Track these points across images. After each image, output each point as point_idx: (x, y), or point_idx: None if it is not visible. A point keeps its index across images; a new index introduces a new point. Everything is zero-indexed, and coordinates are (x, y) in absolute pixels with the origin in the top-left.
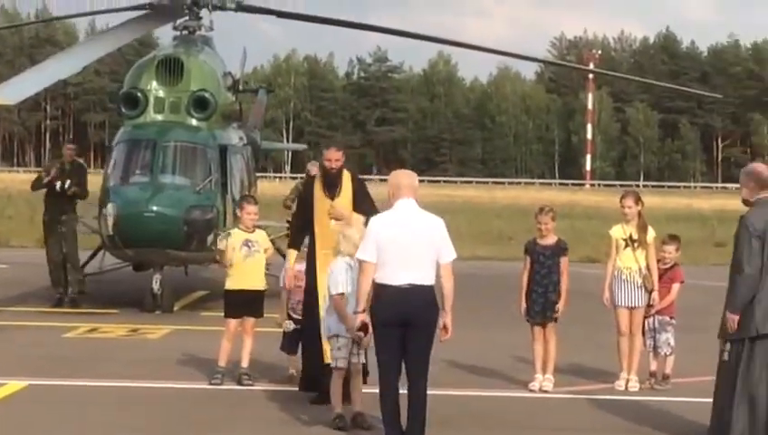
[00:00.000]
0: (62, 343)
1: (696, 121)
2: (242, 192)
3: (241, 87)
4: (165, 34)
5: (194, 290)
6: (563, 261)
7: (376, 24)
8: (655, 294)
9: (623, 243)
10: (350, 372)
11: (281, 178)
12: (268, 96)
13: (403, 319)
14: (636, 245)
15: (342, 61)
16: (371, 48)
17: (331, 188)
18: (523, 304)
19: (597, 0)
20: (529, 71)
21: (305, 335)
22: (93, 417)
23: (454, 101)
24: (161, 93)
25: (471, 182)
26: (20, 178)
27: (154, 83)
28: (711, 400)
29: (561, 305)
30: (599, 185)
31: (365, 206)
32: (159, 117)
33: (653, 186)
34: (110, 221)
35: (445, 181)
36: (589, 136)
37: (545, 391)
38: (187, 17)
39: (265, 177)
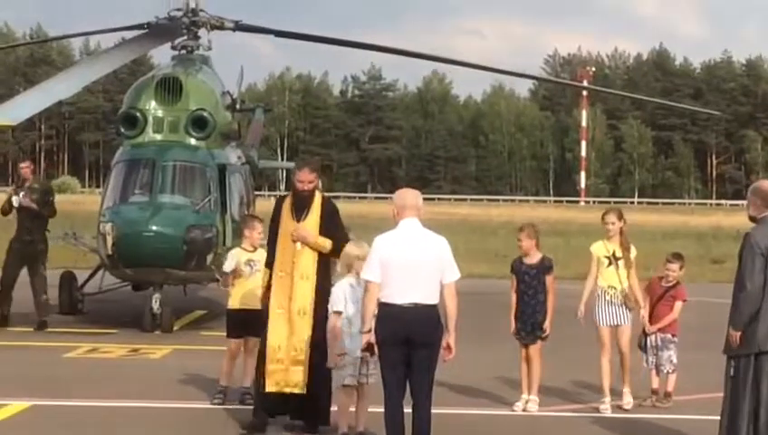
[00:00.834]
0: (63, 364)
1: (689, 138)
2: (241, 211)
3: (238, 106)
4: (159, 53)
5: (193, 309)
6: (548, 279)
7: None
8: (644, 312)
9: (606, 260)
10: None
11: (276, 196)
12: (265, 115)
13: (407, 338)
14: (619, 262)
15: (336, 79)
16: (365, 66)
17: (300, 209)
18: (512, 324)
19: (590, 17)
20: (523, 88)
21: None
22: None
23: (448, 118)
24: (160, 113)
25: (465, 200)
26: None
27: (153, 103)
28: (713, 417)
29: (547, 324)
30: (593, 202)
31: (335, 232)
32: (158, 136)
33: (647, 202)
34: (110, 241)
35: (439, 199)
36: (583, 153)
37: (528, 412)
38: (185, 37)
39: (261, 195)
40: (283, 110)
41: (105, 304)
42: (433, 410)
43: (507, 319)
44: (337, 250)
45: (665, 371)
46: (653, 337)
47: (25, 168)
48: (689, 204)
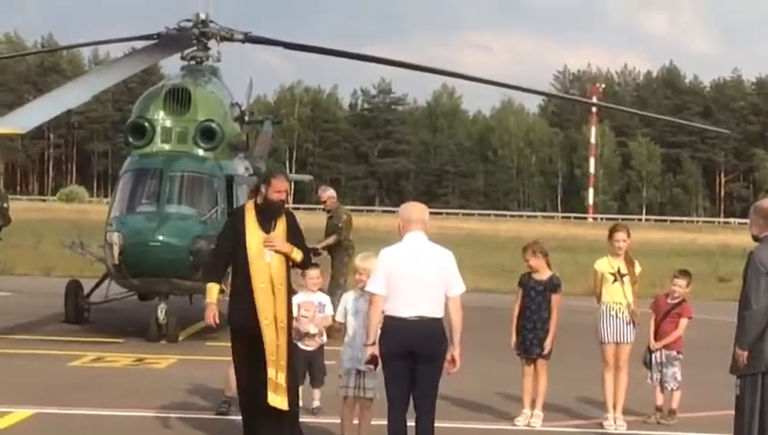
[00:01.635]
0: (67, 372)
1: (698, 156)
2: None
3: (247, 118)
4: (169, 63)
5: (198, 320)
6: (554, 298)
7: (379, 56)
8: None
9: (611, 277)
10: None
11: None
12: (274, 127)
13: (411, 351)
14: (624, 279)
15: (346, 92)
16: (375, 80)
17: (268, 220)
18: (514, 338)
19: (600, 34)
20: (532, 104)
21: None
22: None
23: (457, 133)
24: (168, 123)
25: (473, 214)
26: (23, 207)
27: (161, 113)
28: (717, 434)
29: (548, 343)
30: (601, 219)
31: (300, 243)
32: (166, 147)
33: (655, 220)
34: (116, 250)
35: (447, 213)
36: (591, 169)
37: (532, 428)
38: (194, 48)
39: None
40: (293, 122)
41: (111, 313)
42: (435, 424)
43: (509, 332)
44: (306, 261)
45: (669, 387)
46: (658, 354)
47: None
48: (697, 222)
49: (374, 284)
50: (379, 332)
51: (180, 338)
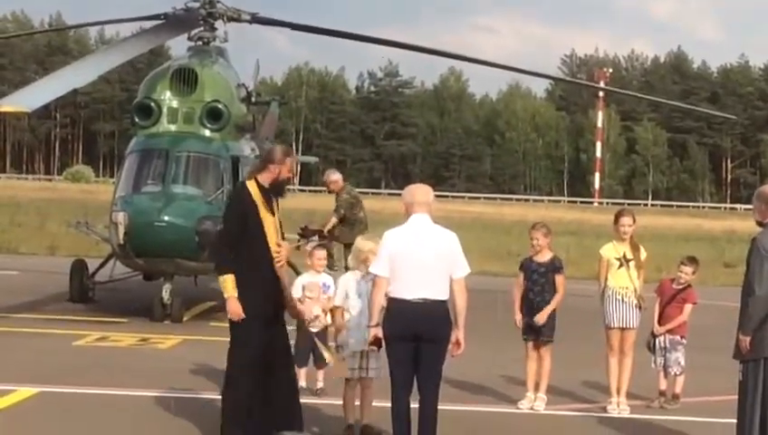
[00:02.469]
0: (72, 351)
1: (704, 142)
2: None
3: (254, 99)
4: (176, 44)
5: (203, 300)
6: (559, 279)
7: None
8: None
9: (617, 262)
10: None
11: (290, 190)
12: (281, 108)
13: (415, 334)
14: (630, 264)
15: (353, 75)
16: (382, 63)
17: (272, 201)
18: (518, 316)
19: (608, 19)
20: (539, 88)
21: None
22: (103, 425)
23: (463, 116)
24: (175, 104)
25: (479, 198)
26: (29, 186)
27: (168, 94)
28: (720, 420)
29: (542, 314)
30: (607, 203)
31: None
32: (173, 127)
33: (661, 205)
34: (121, 230)
35: (453, 197)
36: (598, 154)
37: (535, 411)
38: (201, 28)
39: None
40: (301, 104)
41: (116, 293)
42: (439, 406)
43: (513, 316)
44: None
45: (672, 372)
46: (662, 338)
47: None
48: (703, 207)
49: (378, 266)
50: (384, 314)
51: (185, 318)
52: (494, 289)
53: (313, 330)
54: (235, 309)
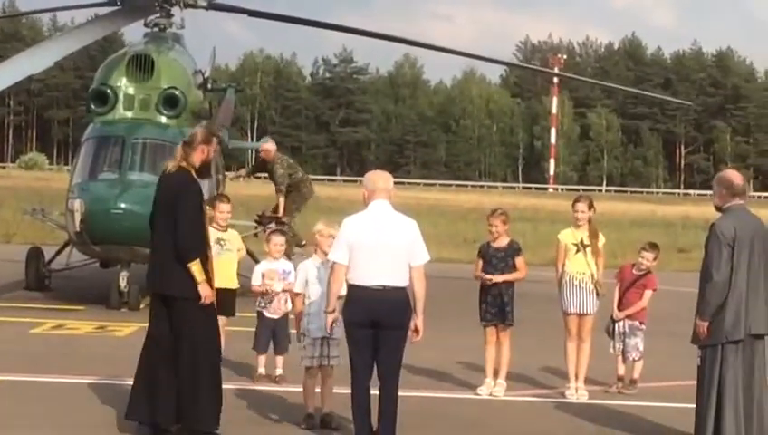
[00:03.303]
0: (28, 339)
1: (658, 128)
2: (211, 191)
3: (210, 86)
4: (130, 30)
5: None
6: (519, 261)
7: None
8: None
9: (574, 248)
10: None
11: (244, 177)
12: (237, 95)
13: (375, 321)
14: (587, 250)
15: (308, 61)
16: (337, 49)
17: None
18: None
19: (563, 5)
20: (494, 75)
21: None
22: (60, 413)
23: (418, 103)
24: (131, 90)
25: (435, 185)
26: None
27: (124, 80)
28: (677, 405)
29: (495, 278)
30: (561, 189)
31: None
32: (129, 114)
33: (615, 191)
34: (78, 217)
35: (409, 183)
36: (552, 140)
37: (495, 397)
38: (158, 14)
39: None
40: (255, 91)
41: (72, 280)
42: (399, 393)
43: (474, 302)
44: None
45: (631, 358)
46: (621, 323)
47: None
48: (657, 193)
49: (336, 252)
50: (343, 300)
51: (141, 306)
52: (451, 276)
53: (273, 316)
54: (209, 295)
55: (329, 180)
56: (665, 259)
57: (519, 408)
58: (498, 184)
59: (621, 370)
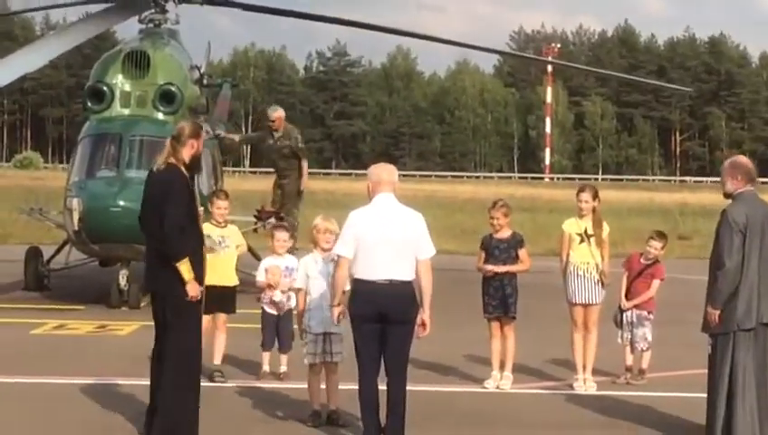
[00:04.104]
0: (30, 340)
1: (652, 115)
2: (209, 187)
3: (206, 81)
4: (123, 28)
5: None
6: (522, 252)
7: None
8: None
9: (578, 238)
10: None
11: (240, 172)
12: (232, 90)
13: (381, 315)
14: (591, 240)
15: (301, 55)
16: (330, 42)
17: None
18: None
19: None
20: (487, 65)
21: None
22: (64, 414)
23: (413, 95)
24: (127, 87)
25: (430, 176)
26: None
27: (120, 77)
28: (686, 394)
29: (497, 268)
30: (557, 179)
31: None
32: (126, 111)
33: (611, 179)
34: (76, 216)
35: (404, 175)
36: (548, 130)
37: (502, 390)
38: (152, 10)
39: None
40: (249, 85)
41: (71, 279)
42: (415, 388)
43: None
44: None
45: (639, 348)
46: (629, 313)
47: None
48: (653, 180)
49: (342, 246)
50: (349, 294)
51: (142, 304)
52: (450, 268)
53: (275, 313)
54: (197, 292)
55: (324, 174)
56: (666, 247)
57: (527, 400)
58: (494, 174)
59: (630, 360)
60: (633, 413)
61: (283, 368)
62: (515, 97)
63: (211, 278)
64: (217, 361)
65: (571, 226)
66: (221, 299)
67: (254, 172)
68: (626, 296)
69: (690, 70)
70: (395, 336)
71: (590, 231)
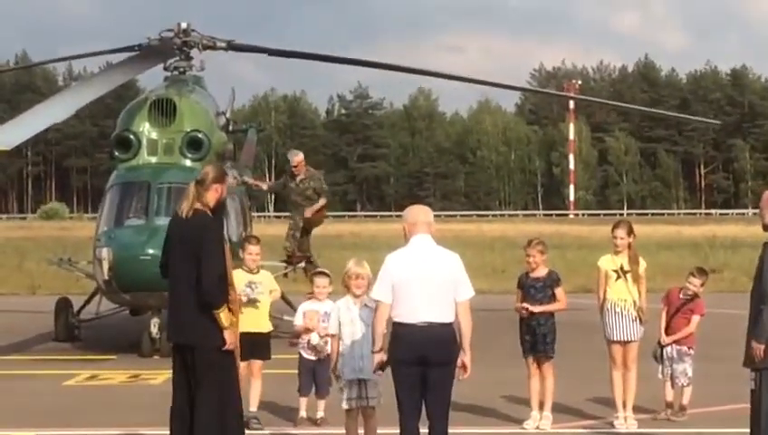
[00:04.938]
0: (63, 392)
1: (675, 150)
2: (238, 232)
3: (231, 127)
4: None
5: None
6: (559, 291)
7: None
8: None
9: (614, 274)
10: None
11: (265, 217)
12: (258, 135)
13: (422, 358)
14: (627, 276)
15: (322, 98)
16: (351, 85)
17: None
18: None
19: (574, 31)
20: (509, 103)
21: None
22: None
23: (435, 135)
24: (154, 135)
25: (455, 216)
26: (3, 226)
27: (147, 125)
28: (727, 429)
29: (534, 308)
30: (582, 214)
31: None
32: (153, 159)
33: (637, 214)
34: (106, 265)
35: None
36: (571, 166)
37: (542, 430)
38: (177, 57)
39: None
40: (271, 130)
41: (102, 329)
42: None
43: (514, 334)
44: None
45: (680, 383)
46: (669, 349)
47: None
48: (678, 214)
49: (379, 291)
50: (389, 339)
51: None
52: (485, 307)
53: (312, 358)
54: (235, 340)
55: (350, 216)
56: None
57: None
58: (518, 212)
59: (670, 396)
60: None
61: (321, 413)
62: (538, 135)
63: (244, 325)
64: (254, 407)
65: (607, 262)
66: (256, 346)
67: (279, 217)
68: (665, 332)
69: (713, 103)
70: (436, 379)
71: (626, 267)
